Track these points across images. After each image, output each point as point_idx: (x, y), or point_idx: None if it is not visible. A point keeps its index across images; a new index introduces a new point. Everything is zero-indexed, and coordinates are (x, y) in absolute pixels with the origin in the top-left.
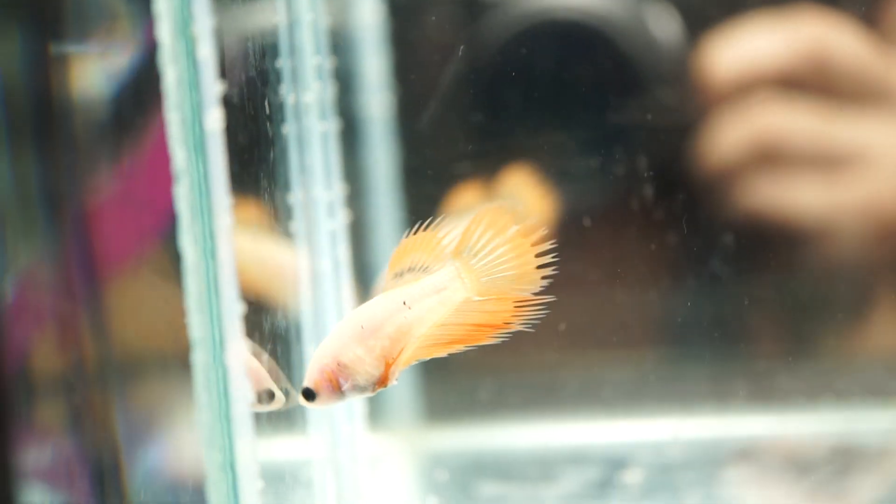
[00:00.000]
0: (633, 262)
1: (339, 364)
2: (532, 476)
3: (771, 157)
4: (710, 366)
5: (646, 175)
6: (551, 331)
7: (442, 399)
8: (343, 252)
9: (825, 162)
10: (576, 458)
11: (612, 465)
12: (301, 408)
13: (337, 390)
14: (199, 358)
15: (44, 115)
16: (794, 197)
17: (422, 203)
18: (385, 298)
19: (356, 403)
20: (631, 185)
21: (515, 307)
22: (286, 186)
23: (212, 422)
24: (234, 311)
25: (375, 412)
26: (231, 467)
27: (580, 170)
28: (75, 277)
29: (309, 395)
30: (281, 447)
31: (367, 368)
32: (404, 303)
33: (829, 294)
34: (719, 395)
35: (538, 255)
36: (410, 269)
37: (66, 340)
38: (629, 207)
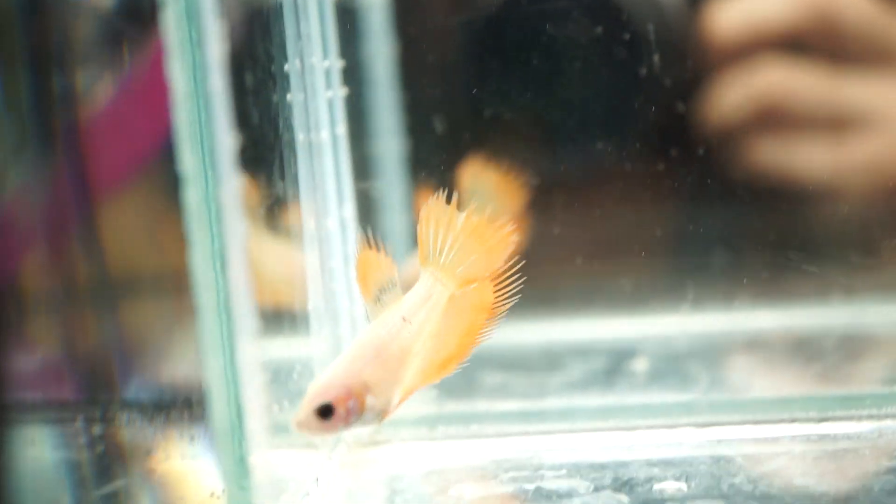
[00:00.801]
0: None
1: (363, 384)
2: (537, 367)
3: (776, 117)
4: (719, 273)
5: (651, 135)
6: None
7: None
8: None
9: (831, 122)
10: (582, 351)
11: (619, 356)
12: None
13: (348, 415)
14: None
15: (36, 32)
16: (799, 157)
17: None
18: (383, 320)
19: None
20: (636, 145)
21: (497, 286)
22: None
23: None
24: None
25: None
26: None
27: (585, 129)
28: (68, 196)
29: (326, 412)
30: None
31: (386, 391)
32: (403, 318)
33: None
34: (727, 293)
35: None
36: (383, 290)
37: (58, 256)
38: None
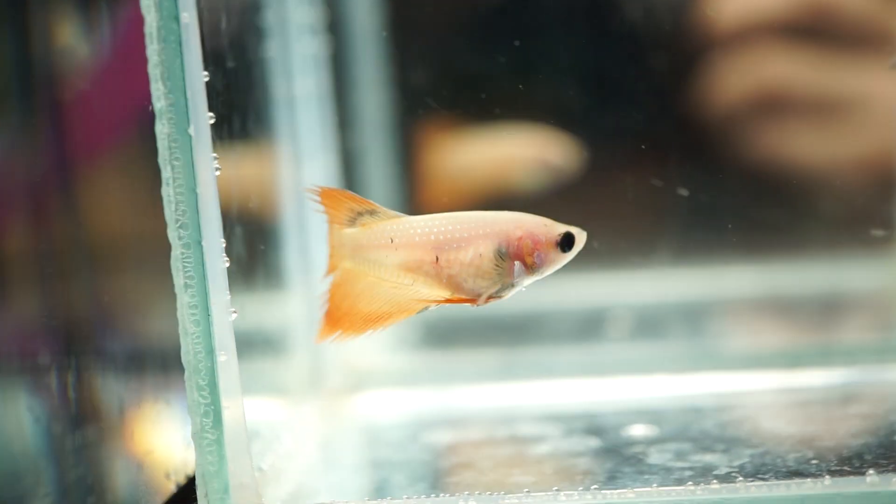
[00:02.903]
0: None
1: None
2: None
3: (773, 105)
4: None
5: (649, 121)
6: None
7: None
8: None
9: (827, 109)
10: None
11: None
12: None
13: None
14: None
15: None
16: (796, 143)
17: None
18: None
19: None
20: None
21: None
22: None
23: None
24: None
25: None
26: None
27: (583, 116)
28: (49, 163)
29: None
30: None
31: None
32: None
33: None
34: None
35: None
36: (360, 215)
37: (38, 218)
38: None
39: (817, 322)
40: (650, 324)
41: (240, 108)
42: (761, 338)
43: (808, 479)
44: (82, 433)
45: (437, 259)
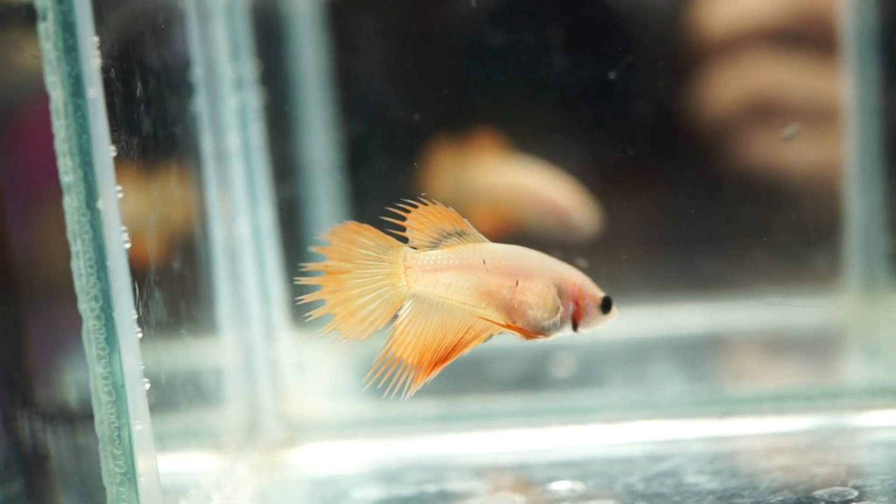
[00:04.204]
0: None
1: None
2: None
3: (765, 111)
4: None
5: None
6: None
7: None
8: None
9: (818, 116)
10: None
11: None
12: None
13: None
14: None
15: None
16: (788, 150)
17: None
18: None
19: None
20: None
21: None
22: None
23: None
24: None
25: None
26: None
27: (573, 121)
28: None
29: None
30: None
31: None
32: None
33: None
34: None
35: None
36: (446, 236)
37: None
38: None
39: (755, 366)
40: (591, 368)
41: (160, 172)
42: (699, 383)
43: None
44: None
45: (517, 283)
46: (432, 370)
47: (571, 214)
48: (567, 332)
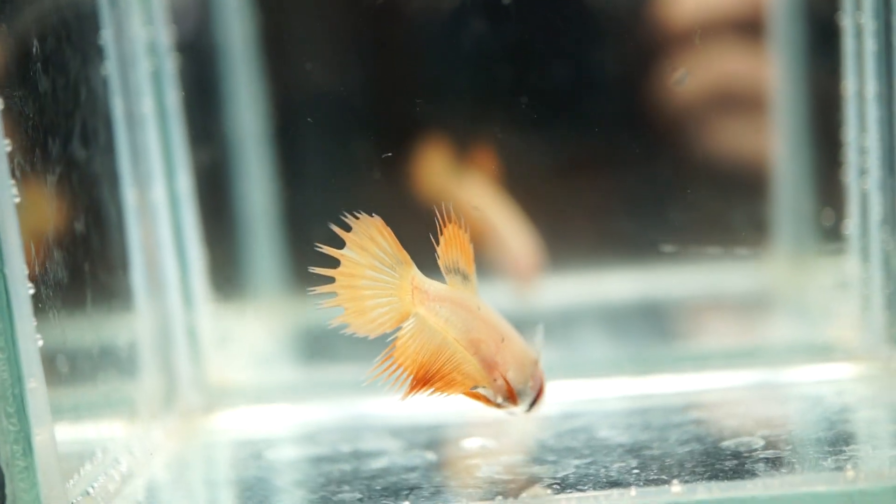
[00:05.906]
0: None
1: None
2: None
3: (728, 101)
4: None
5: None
6: None
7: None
8: None
9: (752, 91)
10: None
11: None
12: None
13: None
14: None
15: None
16: (748, 140)
17: None
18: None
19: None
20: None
21: None
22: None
23: None
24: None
25: None
26: None
27: (540, 112)
28: None
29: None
30: None
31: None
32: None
33: None
34: None
35: None
36: (459, 271)
37: None
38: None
39: (681, 326)
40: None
41: (59, 131)
42: (622, 343)
43: (615, 490)
44: None
45: (503, 340)
46: (423, 387)
47: (529, 276)
48: (525, 405)
